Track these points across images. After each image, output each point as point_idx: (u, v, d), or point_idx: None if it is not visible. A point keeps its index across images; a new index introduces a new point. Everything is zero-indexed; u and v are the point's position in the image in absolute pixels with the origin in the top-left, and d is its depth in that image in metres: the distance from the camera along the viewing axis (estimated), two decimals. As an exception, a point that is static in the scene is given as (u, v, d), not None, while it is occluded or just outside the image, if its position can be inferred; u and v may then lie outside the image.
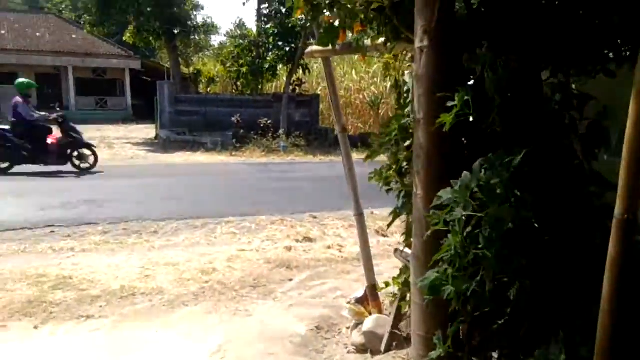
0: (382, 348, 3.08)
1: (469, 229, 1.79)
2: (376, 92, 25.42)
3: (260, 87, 21.87)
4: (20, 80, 10.70)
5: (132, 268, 5.04)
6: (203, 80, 26.89)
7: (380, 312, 3.42)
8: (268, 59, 20.38)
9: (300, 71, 20.20)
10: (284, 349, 3.50)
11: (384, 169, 2.68)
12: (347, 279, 4.97)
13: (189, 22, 21.14)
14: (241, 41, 20.82)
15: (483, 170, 1.75)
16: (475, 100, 1.85)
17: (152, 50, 34.03)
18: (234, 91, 23.35)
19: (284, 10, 18.89)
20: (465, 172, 1.75)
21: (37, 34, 27.29)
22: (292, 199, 8.79)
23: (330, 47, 2.72)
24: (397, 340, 3.09)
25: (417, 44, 2.10)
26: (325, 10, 2.50)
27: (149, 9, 17.47)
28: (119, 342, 3.53)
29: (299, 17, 17.55)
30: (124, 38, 21.35)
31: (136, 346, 3.48)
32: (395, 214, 2.43)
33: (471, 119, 1.88)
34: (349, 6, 2.42)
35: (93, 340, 3.56)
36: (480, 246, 1.71)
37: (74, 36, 28.06)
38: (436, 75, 2.07)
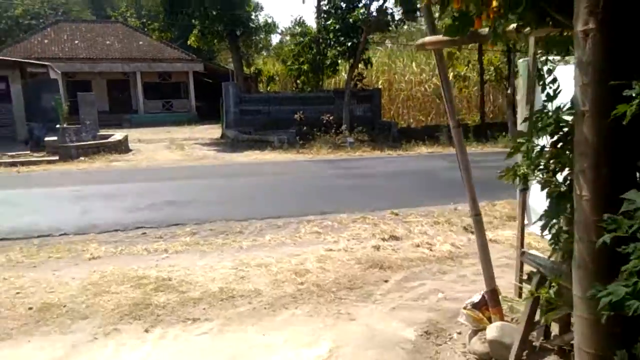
0: (512, 358, 2.87)
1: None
2: (438, 83, 24.74)
3: (320, 83, 21.85)
4: None
5: (225, 269, 5.07)
6: (263, 79, 27.27)
7: (501, 318, 3.21)
8: (329, 55, 20.31)
9: (362, 65, 19.94)
10: (396, 356, 3.36)
11: (519, 166, 2.46)
12: (446, 280, 4.75)
13: (251, 23, 21.42)
14: (301, 39, 20.85)
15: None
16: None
17: (212, 52, 34.95)
18: (293, 89, 23.48)
19: (344, 6, 18.73)
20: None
21: (107, 42, 28.60)
22: (369, 196, 8.63)
23: (455, 37, 2.54)
24: (528, 351, 2.87)
25: (580, 27, 1.88)
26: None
27: (214, 12, 17.83)
28: (230, 346, 3.51)
29: (361, 12, 17.35)
30: (188, 42, 21.93)
31: (247, 350, 3.46)
32: (549, 217, 2.20)
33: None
34: (484, -10, 2.22)
35: (203, 344, 3.57)
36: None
37: (140, 42, 29.19)
38: (606, 62, 1.84)
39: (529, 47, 3.33)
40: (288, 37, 27.10)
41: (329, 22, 19.42)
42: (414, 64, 26.46)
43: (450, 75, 24.16)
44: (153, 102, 29.05)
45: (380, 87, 23.55)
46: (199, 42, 20.79)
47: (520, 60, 3.48)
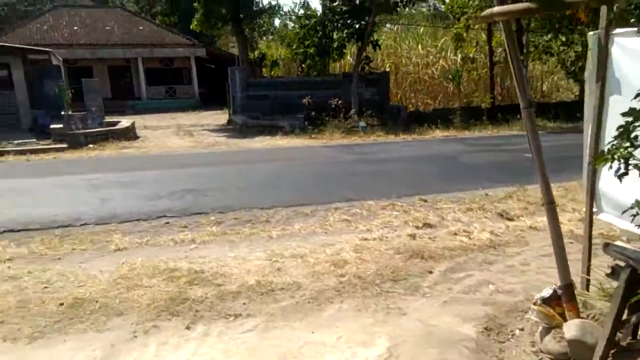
0: (596, 359, 2.65)
1: None
2: (446, 66, 24.33)
3: (326, 67, 21.46)
4: None
5: (259, 260, 4.84)
6: (267, 64, 26.85)
7: (577, 315, 2.98)
8: (335, 37, 19.89)
9: (369, 48, 19.52)
10: (460, 356, 3.14)
11: (617, 148, 2.22)
12: (493, 271, 4.53)
13: (254, 6, 20.98)
14: (307, 21, 20.42)
15: None
16: None
17: (212, 37, 34.39)
18: (298, 73, 23.08)
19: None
20: None
21: (107, 28, 28.06)
22: (392, 182, 8.39)
23: (534, 6, 2.31)
24: (615, 350, 2.65)
25: None
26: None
27: (219, -5, 17.42)
28: (278, 345, 3.29)
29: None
30: (190, 26, 21.48)
31: (298, 350, 3.23)
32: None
33: None
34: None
35: (251, 342, 3.35)
36: None
37: (140, 28, 28.67)
38: None
39: (601, 18, 3.07)
40: (290, 21, 26.60)
41: (335, 4, 18.96)
42: (419, 46, 26.01)
43: (459, 57, 23.82)
44: (155, 88, 28.65)
45: (387, 70, 23.16)
46: (202, 26, 20.35)
47: (591, 33, 3.21)
